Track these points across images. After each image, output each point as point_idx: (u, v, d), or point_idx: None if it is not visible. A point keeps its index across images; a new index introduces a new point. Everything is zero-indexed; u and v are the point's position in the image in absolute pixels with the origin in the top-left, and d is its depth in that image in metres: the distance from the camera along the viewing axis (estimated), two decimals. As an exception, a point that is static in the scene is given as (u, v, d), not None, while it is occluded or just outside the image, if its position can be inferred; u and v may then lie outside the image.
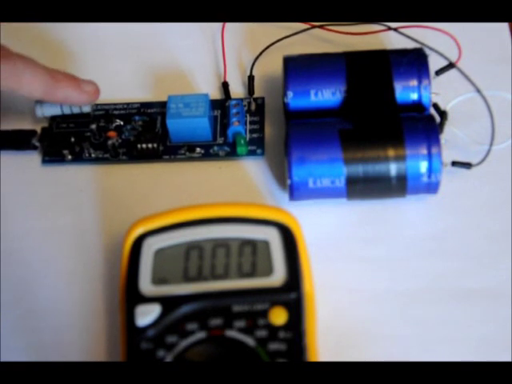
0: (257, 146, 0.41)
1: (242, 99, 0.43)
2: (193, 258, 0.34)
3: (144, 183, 0.41)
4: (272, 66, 0.43)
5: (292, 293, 0.32)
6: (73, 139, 0.42)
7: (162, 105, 0.42)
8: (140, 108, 0.43)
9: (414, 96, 0.39)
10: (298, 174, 0.37)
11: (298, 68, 0.40)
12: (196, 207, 0.35)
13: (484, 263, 0.37)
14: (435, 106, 0.39)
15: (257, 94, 0.43)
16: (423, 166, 0.36)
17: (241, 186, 0.40)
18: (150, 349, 0.31)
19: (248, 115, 0.42)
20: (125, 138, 0.42)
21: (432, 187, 0.37)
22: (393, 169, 0.36)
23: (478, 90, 0.37)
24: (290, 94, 0.39)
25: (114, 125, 0.43)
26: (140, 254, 0.34)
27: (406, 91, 0.39)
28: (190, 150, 0.41)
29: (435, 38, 0.39)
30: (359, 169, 0.36)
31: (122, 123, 0.43)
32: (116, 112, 0.43)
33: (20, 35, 0.47)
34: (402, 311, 0.36)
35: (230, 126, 0.41)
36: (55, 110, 0.42)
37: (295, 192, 0.37)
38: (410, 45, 0.40)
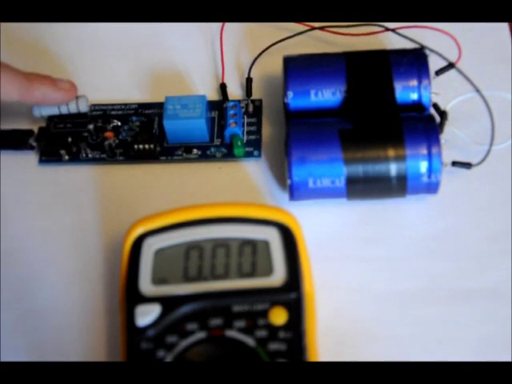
0: (254, 147, 0.41)
1: (239, 101, 0.43)
2: (193, 258, 0.34)
3: (141, 184, 0.41)
4: (271, 68, 0.43)
5: (292, 293, 0.32)
6: (70, 139, 0.42)
7: (160, 106, 0.42)
8: (137, 109, 0.43)
9: (414, 96, 0.39)
10: (298, 174, 0.37)
11: (298, 68, 0.40)
12: (196, 207, 0.35)
13: (484, 263, 0.37)
14: (435, 106, 0.39)
15: (255, 96, 0.43)
16: (423, 165, 0.36)
17: (240, 187, 0.40)
18: (149, 349, 0.31)
19: (245, 117, 0.42)
20: (122, 138, 0.42)
21: (432, 187, 0.37)
22: (393, 169, 0.36)
23: (478, 90, 0.37)
24: (290, 94, 0.39)
25: (111, 125, 0.43)
26: (140, 254, 0.34)
27: (405, 91, 0.39)
28: (186, 151, 0.41)
29: (435, 38, 0.39)
30: (359, 169, 0.36)
31: (119, 124, 0.43)
32: (113, 112, 0.43)
33: (20, 35, 0.47)
34: (401, 311, 0.36)
35: (227, 128, 0.41)
36: (53, 110, 0.42)
37: (295, 192, 0.37)
38: (409, 45, 0.40)
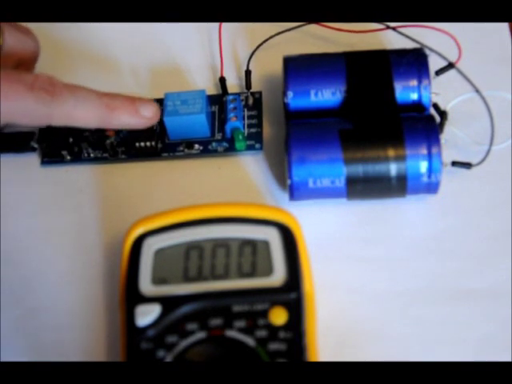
0: (255, 140, 0.41)
1: (239, 94, 0.43)
2: (193, 258, 0.34)
3: (143, 181, 0.41)
4: (270, 63, 0.43)
5: (292, 293, 0.32)
6: (71, 139, 0.42)
7: (159, 102, 0.42)
8: None
9: (414, 96, 0.39)
10: (298, 174, 0.37)
11: (298, 68, 0.40)
12: (196, 207, 0.35)
13: (484, 263, 0.37)
14: (435, 106, 0.39)
15: (255, 90, 0.43)
16: (423, 165, 0.36)
17: (240, 186, 0.40)
18: (149, 349, 0.31)
19: (246, 110, 0.42)
20: (123, 136, 0.42)
21: (432, 187, 0.37)
22: (393, 169, 0.36)
23: (478, 91, 0.37)
24: (290, 94, 0.39)
25: None
26: (140, 253, 0.34)
27: (405, 91, 0.39)
28: (188, 146, 0.41)
29: (435, 37, 0.39)
30: (359, 169, 0.36)
31: None
32: None
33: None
34: (402, 311, 0.36)
35: (228, 122, 0.41)
36: None
37: (295, 192, 0.37)
38: (409, 45, 0.40)
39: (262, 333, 0.31)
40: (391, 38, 0.42)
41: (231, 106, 0.41)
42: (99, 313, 0.37)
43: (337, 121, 0.38)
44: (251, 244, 0.34)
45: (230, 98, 0.42)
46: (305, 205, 0.39)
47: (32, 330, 0.36)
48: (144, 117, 0.38)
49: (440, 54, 0.38)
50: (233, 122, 0.41)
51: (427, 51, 0.39)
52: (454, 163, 0.38)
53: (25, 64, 0.41)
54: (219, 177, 0.41)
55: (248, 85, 0.43)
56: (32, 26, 0.47)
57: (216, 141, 0.41)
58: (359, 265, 0.37)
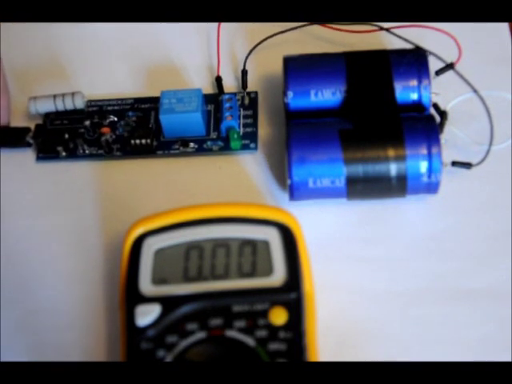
0: (250, 140, 0.41)
1: (235, 93, 0.43)
2: (193, 258, 0.34)
3: (139, 179, 0.41)
4: (270, 63, 0.43)
5: (292, 293, 0.32)
6: (67, 136, 0.42)
7: (156, 100, 0.42)
8: (133, 104, 0.43)
9: (414, 96, 0.39)
10: (298, 174, 0.37)
11: (298, 68, 0.40)
12: (196, 207, 0.35)
13: (484, 263, 0.37)
14: (435, 106, 0.39)
15: (251, 90, 0.43)
16: (423, 165, 0.36)
17: (238, 185, 0.40)
18: (149, 349, 0.31)
19: (241, 109, 0.42)
20: (119, 133, 0.42)
21: (432, 187, 0.37)
22: (393, 169, 0.36)
23: (476, 91, 0.37)
24: (290, 94, 0.39)
25: (107, 121, 0.43)
26: (140, 254, 0.34)
27: (405, 91, 0.39)
28: (183, 144, 0.41)
29: (435, 37, 0.39)
30: (359, 169, 0.36)
31: (115, 119, 0.43)
32: (110, 108, 0.43)
33: (20, 35, 0.47)
34: (401, 311, 0.36)
35: (224, 121, 0.41)
36: (49, 107, 0.42)
37: (295, 192, 0.37)
38: (409, 45, 0.40)
39: (262, 333, 0.31)
40: (391, 38, 0.42)
41: (227, 105, 0.41)
42: (99, 313, 0.37)
43: (337, 121, 0.38)
44: (251, 244, 0.34)
45: (226, 97, 0.42)
46: (305, 205, 0.38)
47: (32, 330, 0.36)
48: None
49: (437, 56, 0.39)
50: (228, 121, 0.41)
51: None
52: (454, 163, 0.38)
53: None
54: (216, 176, 0.41)
55: (244, 84, 0.43)
56: (30, 25, 0.47)
57: (211, 139, 0.41)
58: (359, 265, 0.37)
